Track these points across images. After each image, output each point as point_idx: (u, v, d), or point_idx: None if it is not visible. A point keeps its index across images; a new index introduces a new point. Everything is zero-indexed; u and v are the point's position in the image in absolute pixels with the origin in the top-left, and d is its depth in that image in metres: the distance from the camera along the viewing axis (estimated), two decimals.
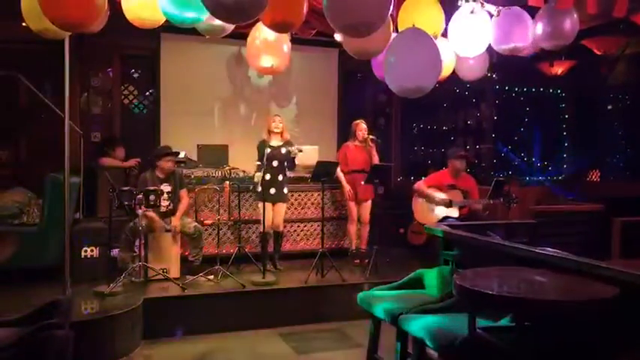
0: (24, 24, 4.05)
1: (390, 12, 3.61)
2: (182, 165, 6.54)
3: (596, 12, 4.59)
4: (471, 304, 2.69)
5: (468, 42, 4.63)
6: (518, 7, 4.54)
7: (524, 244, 3.50)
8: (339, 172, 6.46)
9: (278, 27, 3.83)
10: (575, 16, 4.60)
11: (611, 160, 8.60)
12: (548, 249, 3.13)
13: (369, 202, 6.58)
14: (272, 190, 6.05)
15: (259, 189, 5.93)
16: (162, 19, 3.81)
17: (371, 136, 6.52)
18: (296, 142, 6.50)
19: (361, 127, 6.59)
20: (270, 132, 6.17)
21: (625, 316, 2.47)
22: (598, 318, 2.49)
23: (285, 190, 6.22)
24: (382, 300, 3.62)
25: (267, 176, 6.00)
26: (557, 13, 4.59)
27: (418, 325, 3.04)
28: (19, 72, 5.95)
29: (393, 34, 4.48)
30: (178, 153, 6.06)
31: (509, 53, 4.82)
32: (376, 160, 6.51)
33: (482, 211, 6.19)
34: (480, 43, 4.65)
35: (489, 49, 4.87)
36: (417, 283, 3.90)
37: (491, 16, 4.59)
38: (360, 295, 3.84)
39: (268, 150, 5.96)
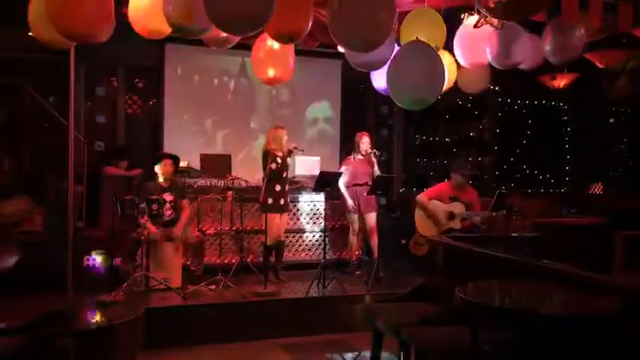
0: (30, 33, 4.08)
1: (393, 27, 3.65)
2: (185, 174, 6.56)
3: (600, 26, 4.61)
4: (473, 317, 2.69)
5: (473, 52, 4.66)
6: (517, 23, 4.57)
7: (527, 257, 3.50)
8: (340, 185, 6.45)
9: (283, 38, 3.85)
10: (583, 30, 4.63)
11: (614, 172, 8.60)
12: (551, 262, 3.14)
13: (374, 213, 6.57)
14: (282, 201, 6.07)
15: (270, 201, 5.93)
16: (168, 30, 3.84)
17: (374, 150, 6.52)
18: (298, 152, 6.51)
19: (364, 139, 6.59)
20: (276, 144, 6.15)
21: (628, 330, 2.47)
22: (601, 332, 2.48)
23: (285, 201, 6.22)
24: (384, 312, 3.61)
25: (277, 187, 6.01)
26: (564, 28, 4.62)
27: (420, 338, 3.04)
28: (25, 80, 5.99)
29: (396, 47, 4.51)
30: (175, 156, 6.05)
31: (507, 67, 4.84)
32: (378, 173, 6.50)
33: (483, 224, 6.19)
34: (485, 53, 4.67)
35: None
36: (420, 295, 3.90)
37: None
38: (362, 306, 3.84)
39: (279, 161, 5.98)
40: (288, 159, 6.16)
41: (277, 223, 6.09)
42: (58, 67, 5.24)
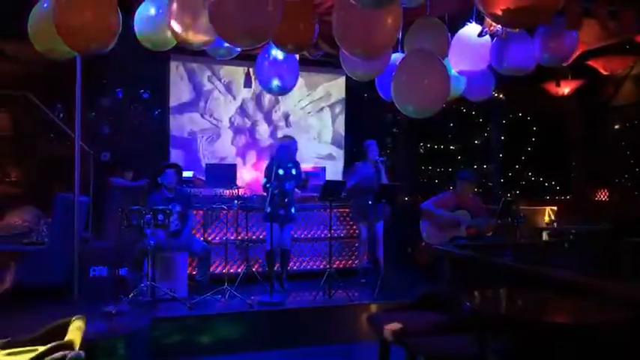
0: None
1: (397, 36, 3.67)
2: (190, 184, 6.57)
3: (605, 32, 4.60)
4: (481, 325, 2.68)
5: (468, 59, 4.65)
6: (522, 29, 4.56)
7: (533, 264, 3.49)
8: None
9: (288, 48, 3.89)
10: (575, 34, 4.59)
11: (620, 179, 8.57)
12: (557, 270, 3.12)
13: (381, 223, 6.57)
14: (282, 212, 6.07)
15: (268, 209, 5.94)
16: (173, 42, 3.87)
17: (381, 159, 6.52)
18: (304, 161, 6.52)
19: (372, 148, 6.60)
20: (286, 155, 6.14)
21: (636, 339, 2.45)
22: (608, 341, 2.47)
23: (293, 210, 6.23)
24: (390, 320, 3.60)
25: (278, 198, 6.01)
26: (555, 32, 4.59)
27: (427, 347, 3.03)
28: (30, 92, 6.03)
29: (399, 55, 4.53)
30: (177, 165, 6.06)
31: (510, 74, 4.83)
32: (384, 182, 6.50)
33: (489, 232, 6.17)
34: (480, 60, 4.66)
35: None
36: (426, 304, 3.88)
37: (493, 37, 4.59)
38: (368, 315, 3.82)
39: (281, 172, 5.98)
40: (294, 170, 6.15)
41: (277, 231, 6.09)
42: (64, 78, 5.27)
